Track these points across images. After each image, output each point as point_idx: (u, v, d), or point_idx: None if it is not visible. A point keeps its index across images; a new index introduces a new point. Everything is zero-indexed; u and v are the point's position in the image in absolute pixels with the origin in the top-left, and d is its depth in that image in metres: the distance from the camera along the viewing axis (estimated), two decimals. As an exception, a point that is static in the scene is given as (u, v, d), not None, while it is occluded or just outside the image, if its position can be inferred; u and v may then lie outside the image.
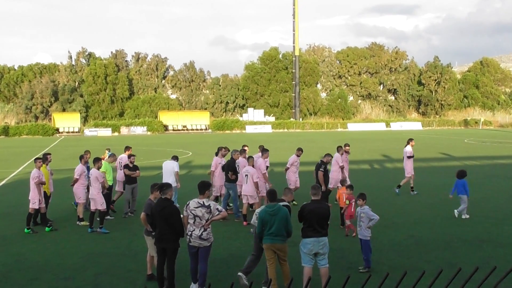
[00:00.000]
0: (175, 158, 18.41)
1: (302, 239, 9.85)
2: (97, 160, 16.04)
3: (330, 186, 18.46)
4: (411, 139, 22.23)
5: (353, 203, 14.09)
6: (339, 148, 19.68)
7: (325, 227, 9.83)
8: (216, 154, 18.55)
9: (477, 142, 53.65)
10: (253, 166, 16.61)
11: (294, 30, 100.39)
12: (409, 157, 21.46)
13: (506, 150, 43.04)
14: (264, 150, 18.68)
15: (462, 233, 14.40)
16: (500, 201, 19.53)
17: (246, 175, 16.35)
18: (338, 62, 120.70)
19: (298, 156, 19.21)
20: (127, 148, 19.18)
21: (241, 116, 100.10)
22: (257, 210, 10.35)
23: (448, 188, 21.73)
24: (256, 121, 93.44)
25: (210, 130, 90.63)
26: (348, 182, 16.12)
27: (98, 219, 15.38)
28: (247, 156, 17.63)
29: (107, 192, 16.54)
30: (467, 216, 16.39)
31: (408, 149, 21.68)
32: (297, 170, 19.25)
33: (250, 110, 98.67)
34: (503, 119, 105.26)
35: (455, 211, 16.62)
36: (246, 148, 18.83)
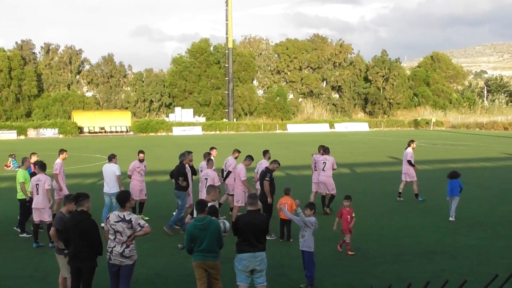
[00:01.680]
0: (112, 157, 18.41)
1: (236, 254, 9.87)
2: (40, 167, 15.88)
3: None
4: (412, 141, 22.82)
5: (349, 217, 14.08)
6: (321, 149, 20.32)
7: (262, 241, 9.86)
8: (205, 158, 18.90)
9: (428, 145, 55.13)
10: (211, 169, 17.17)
11: (227, 20, 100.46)
12: (409, 161, 22.02)
13: (459, 153, 44.43)
14: (248, 157, 18.67)
15: (413, 244, 14.78)
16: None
17: (206, 178, 16.71)
18: (276, 55, 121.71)
19: (235, 158, 19.46)
20: (62, 151, 18.74)
21: (167, 116, 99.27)
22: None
23: (395, 196, 22.27)
24: (185, 122, 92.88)
25: (131, 133, 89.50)
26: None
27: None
28: (212, 159, 18.18)
29: (28, 205, 16.25)
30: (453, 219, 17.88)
31: (409, 151, 22.26)
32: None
33: (177, 109, 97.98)
34: (455, 119, 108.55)
35: (451, 218, 17.93)
36: (212, 151, 19.57)
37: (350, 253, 13.83)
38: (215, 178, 16.83)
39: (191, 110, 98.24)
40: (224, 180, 19.14)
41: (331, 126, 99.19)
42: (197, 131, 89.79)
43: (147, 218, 18.18)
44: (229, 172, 19.02)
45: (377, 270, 12.56)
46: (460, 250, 14.26)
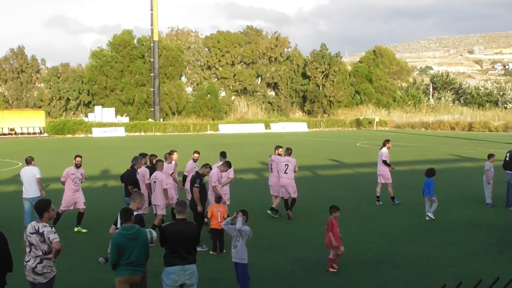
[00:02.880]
0: (31, 160, 18.33)
1: (164, 267, 9.75)
2: None
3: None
4: (387, 140, 23.32)
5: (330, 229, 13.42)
6: (279, 149, 20.74)
7: (192, 253, 9.77)
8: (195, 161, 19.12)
9: (371, 146, 55.95)
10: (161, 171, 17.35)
11: (152, 10, 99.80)
12: (384, 162, 22.43)
13: (404, 155, 45.23)
14: (226, 163, 18.45)
15: (356, 254, 14.92)
16: (397, 215, 20.50)
17: (154, 181, 16.93)
18: (207, 49, 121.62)
19: (194, 161, 19.74)
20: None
21: (86, 116, 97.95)
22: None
23: (337, 201, 22.50)
24: (106, 123, 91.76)
25: (46, 134, 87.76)
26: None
27: None
28: (162, 161, 18.31)
29: None
30: (433, 218, 19.17)
31: (384, 151, 22.68)
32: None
33: (97, 108, 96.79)
34: (399, 118, 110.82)
35: (429, 214, 19.14)
36: (173, 154, 19.68)
37: (332, 270, 13.38)
38: (163, 181, 16.90)
39: (112, 110, 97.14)
40: (183, 184, 19.25)
41: (267, 126, 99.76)
42: (120, 132, 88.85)
43: (85, 230, 17.93)
44: (185, 177, 19.17)
45: (318, 282, 12.62)
46: (406, 258, 14.47)
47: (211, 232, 15.30)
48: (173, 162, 19.56)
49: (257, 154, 46.34)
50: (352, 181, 30.03)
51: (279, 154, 20.57)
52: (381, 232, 17.54)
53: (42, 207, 9.64)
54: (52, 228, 9.60)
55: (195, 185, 15.98)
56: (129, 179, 17.19)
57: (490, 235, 17.08)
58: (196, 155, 19.95)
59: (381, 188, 22.78)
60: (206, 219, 16.62)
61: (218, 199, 15.55)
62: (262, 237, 15.61)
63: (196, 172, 16.76)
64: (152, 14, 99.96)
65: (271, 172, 20.67)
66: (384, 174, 22.61)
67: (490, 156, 22.14)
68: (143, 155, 18.66)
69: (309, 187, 26.65)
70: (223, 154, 19.31)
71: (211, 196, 17.24)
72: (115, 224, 11.08)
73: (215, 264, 14.20)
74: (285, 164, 20.07)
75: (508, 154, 21.78)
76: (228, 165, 17.89)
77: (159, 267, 10.20)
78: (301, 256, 14.79)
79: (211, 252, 15.12)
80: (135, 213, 10.31)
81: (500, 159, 22.90)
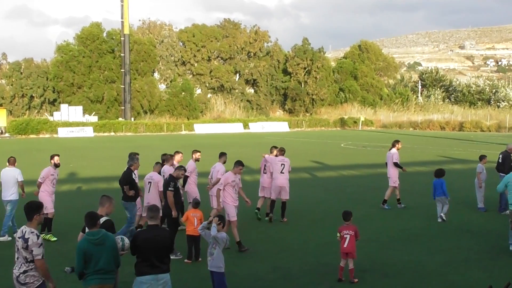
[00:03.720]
0: (14, 161, 18.46)
1: (135, 277, 9.71)
2: None
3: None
4: (397, 141, 23.54)
5: (347, 237, 13.26)
6: (275, 149, 21.36)
7: (165, 261, 9.75)
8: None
9: (357, 147, 56.21)
10: (159, 173, 17.73)
11: (122, 1, 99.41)
12: (395, 164, 22.62)
13: (391, 156, 45.45)
14: (220, 155, 19.20)
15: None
16: (384, 220, 20.58)
17: (150, 182, 17.38)
18: (181, 44, 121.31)
19: (196, 161, 20.11)
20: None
21: (51, 115, 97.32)
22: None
23: (321, 205, 22.57)
24: (72, 122, 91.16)
25: (7, 134, 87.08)
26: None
27: None
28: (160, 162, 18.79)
29: None
30: (445, 219, 19.86)
31: (394, 152, 22.90)
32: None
33: (63, 107, 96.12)
34: (386, 118, 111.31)
35: (442, 215, 19.75)
36: (176, 155, 19.89)
37: (355, 280, 13.28)
38: (159, 182, 17.16)
39: (80, 108, 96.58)
40: (184, 186, 19.22)
41: (245, 126, 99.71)
42: (88, 132, 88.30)
43: (55, 239, 17.80)
44: (186, 178, 19.12)
45: (300, 292, 12.64)
46: (394, 266, 14.53)
47: (187, 239, 15.25)
48: (175, 163, 19.55)
49: (235, 156, 46.10)
50: (336, 184, 30.13)
51: (276, 156, 21.02)
52: (367, 239, 17.54)
53: (32, 208, 9.52)
54: (39, 238, 9.38)
55: (169, 188, 15.91)
56: (124, 180, 17.17)
57: (482, 241, 17.20)
58: (197, 154, 20.10)
59: (391, 191, 22.99)
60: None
61: (196, 204, 15.48)
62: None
63: (170, 175, 16.68)
64: (122, 5, 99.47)
65: (264, 173, 21.04)
66: (392, 176, 22.84)
67: (482, 157, 22.28)
68: (135, 154, 18.70)
69: (291, 190, 26.60)
70: (220, 155, 19.70)
71: (229, 206, 16.78)
72: (83, 231, 10.92)
73: (190, 273, 14.16)
74: (281, 164, 20.64)
75: (501, 156, 21.96)
76: (240, 164, 17.21)
77: (130, 276, 10.16)
78: (282, 264, 14.78)
79: (186, 260, 15.07)
80: (104, 218, 10.23)
81: (493, 161, 23.07)
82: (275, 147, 21.54)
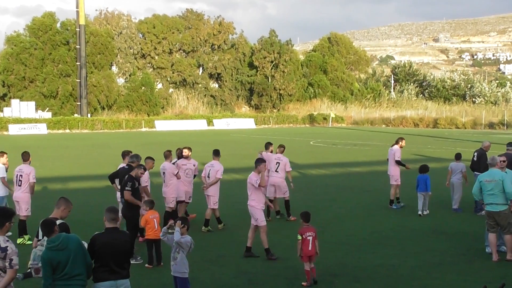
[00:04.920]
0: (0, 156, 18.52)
1: (93, 283, 9.66)
2: None
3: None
4: (401, 138, 23.79)
5: (309, 239, 13.40)
6: (271, 146, 21.74)
7: (125, 266, 9.70)
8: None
9: (326, 145, 56.45)
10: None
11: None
12: (397, 161, 22.82)
13: (362, 155, 45.72)
14: (216, 153, 19.68)
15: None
16: (355, 222, 20.68)
17: (164, 172, 18.63)
18: (140, 35, 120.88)
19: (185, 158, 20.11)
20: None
21: (1, 111, 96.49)
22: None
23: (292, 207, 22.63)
24: (24, 119, 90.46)
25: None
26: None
27: None
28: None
29: None
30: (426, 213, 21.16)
31: (396, 149, 23.06)
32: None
33: (14, 102, 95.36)
34: (357, 114, 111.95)
35: (424, 212, 20.99)
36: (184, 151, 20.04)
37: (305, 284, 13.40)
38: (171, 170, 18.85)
39: (32, 103, 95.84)
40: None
41: (209, 122, 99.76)
42: (41, 129, 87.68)
43: (30, 242, 17.53)
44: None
45: (267, 298, 12.69)
46: (365, 271, 14.63)
47: (147, 243, 15.19)
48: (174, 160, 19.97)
49: (198, 154, 46.14)
50: (304, 184, 30.10)
51: (271, 152, 21.36)
52: (337, 242, 17.66)
53: (8, 215, 9.43)
54: (15, 248, 9.23)
55: (126, 188, 15.68)
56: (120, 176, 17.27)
57: (458, 243, 17.37)
58: (186, 151, 20.03)
59: (395, 190, 23.20)
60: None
61: (151, 203, 15.38)
62: (205, 248, 15.61)
63: (129, 175, 16.29)
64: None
65: None
66: (394, 174, 23.02)
67: (458, 156, 22.52)
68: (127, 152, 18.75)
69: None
70: (216, 153, 19.88)
71: (258, 210, 16.31)
72: (37, 236, 10.73)
73: (152, 279, 14.14)
74: (276, 162, 20.87)
75: (476, 154, 22.13)
76: (262, 161, 16.31)
77: (88, 282, 10.09)
78: (248, 268, 14.83)
79: (146, 265, 15.02)
80: (58, 221, 10.13)
81: (468, 159, 23.26)
82: (271, 144, 21.80)
